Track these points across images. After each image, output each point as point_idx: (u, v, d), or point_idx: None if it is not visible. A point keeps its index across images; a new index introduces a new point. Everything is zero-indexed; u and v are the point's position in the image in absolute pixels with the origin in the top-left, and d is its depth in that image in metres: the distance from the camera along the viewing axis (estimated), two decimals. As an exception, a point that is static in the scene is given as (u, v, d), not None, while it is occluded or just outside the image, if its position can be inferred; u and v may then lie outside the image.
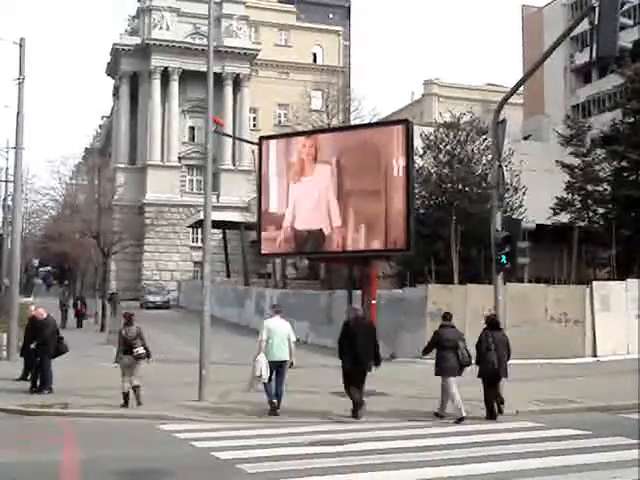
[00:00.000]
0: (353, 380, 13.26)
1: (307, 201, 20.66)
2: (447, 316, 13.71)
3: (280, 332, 13.67)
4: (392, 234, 19.38)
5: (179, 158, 64.57)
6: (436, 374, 13.26)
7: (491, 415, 13.05)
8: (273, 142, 22.38)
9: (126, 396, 14.01)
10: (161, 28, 64.29)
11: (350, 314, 14.16)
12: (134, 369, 14.16)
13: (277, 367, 13.57)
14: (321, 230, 20.59)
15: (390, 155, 19.34)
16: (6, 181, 38.66)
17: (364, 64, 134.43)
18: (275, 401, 13.53)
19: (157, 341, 21.52)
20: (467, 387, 13.27)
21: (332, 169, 19.99)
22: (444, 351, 13.10)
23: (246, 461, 9.59)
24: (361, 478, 8.84)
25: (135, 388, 14.12)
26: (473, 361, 13.19)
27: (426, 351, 13.90)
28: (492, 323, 13.47)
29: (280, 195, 21.47)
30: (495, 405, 13.20)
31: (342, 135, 21.34)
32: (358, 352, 13.18)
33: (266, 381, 13.40)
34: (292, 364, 13.78)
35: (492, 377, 13.08)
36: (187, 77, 63.22)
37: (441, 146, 29.19)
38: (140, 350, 14.10)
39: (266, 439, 11.32)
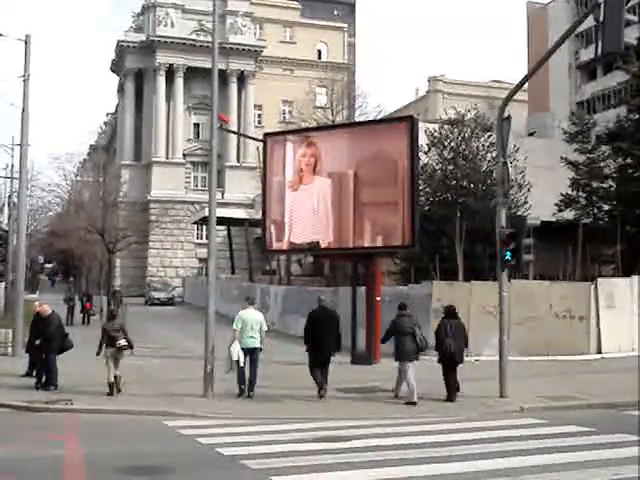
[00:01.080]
0: (317, 363, 14.64)
1: (304, 212, 20.78)
2: (403, 306, 15.03)
3: (252, 322, 14.95)
4: (404, 237, 19.46)
5: (184, 155, 64.67)
6: (395, 359, 14.52)
7: (450, 397, 14.20)
8: (278, 141, 22.48)
9: (111, 385, 15.02)
10: (166, 25, 64.37)
11: (317, 303, 15.55)
12: (118, 360, 15.22)
13: (250, 354, 14.80)
14: (318, 243, 20.74)
15: (404, 166, 19.41)
16: (11, 178, 38.73)
17: (369, 61, 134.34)
18: (244, 387, 14.83)
19: (162, 337, 21.61)
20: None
21: (346, 180, 20.08)
22: (403, 337, 14.33)
23: (250, 457, 9.64)
24: (364, 474, 8.87)
25: (116, 377, 15.12)
26: (432, 344, 14.71)
27: (385, 339, 15.11)
28: (450, 312, 14.78)
29: (282, 197, 21.56)
30: (454, 388, 14.36)
31: (350, 139, 21.15)
32: (322, 338, 14.57)
33: (242, 365, 14.72)
34: (260, 349, 15.08)
35: (450, 361, 14.28)
36: (192, 74, 63.26)
37: (446, 143, 29.15)
38: (122, 342, 15.15)
39: (271, 435, 11.36)
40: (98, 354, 15.26)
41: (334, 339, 14.75)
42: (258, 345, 14.92)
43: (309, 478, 8.73)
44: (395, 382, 14.75)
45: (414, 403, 13.92)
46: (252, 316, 15.07)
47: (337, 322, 15.08)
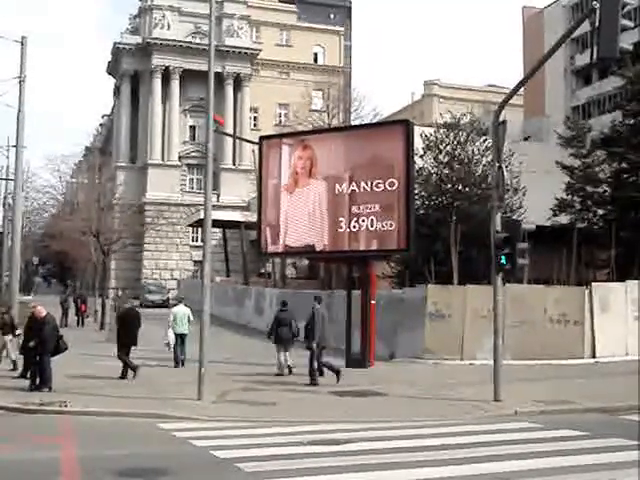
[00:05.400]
0: (127, 349, 18.26)
1: (299, 215, 20.80)
2: (284, 303, 19.67)
3: (181, 315, 20.92)
4: (400, 240, 19.46)
5: (179, 157, 64.57)
6: (274, 343, 19.17)
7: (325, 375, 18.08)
8: (274, 144, 22.48)
9: (15, 363, 18.52)
10: (162, 27, 64.31)
11: (125, 305, 21.73)
12: (15, 344, 18.92)
13: (180, 338, 20.69)
14: (314, 246, 20.75)
15: (399, 169, 19.44)
16: (7, 179, 38.65)
17: (365, 64, 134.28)
18: (180, 362, 20.52)
19: (156, 340, 21.59)
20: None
21: (342, 183, 20.07)
22: (281, 328, 18.97)
23: (245, 460, 9.62)
24: (359, 477, 8.87)
25: (14, 362, 18.58)
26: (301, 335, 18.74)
27: (271, 332, 19.41)
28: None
29: (277, 200, 21.56)
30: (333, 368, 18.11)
31: (346, 143, 21.06)
32: (132, 333, 18.31)
33: (172, 345, 20.46)
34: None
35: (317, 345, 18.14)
36: (188, 76, 63.22)
37: (441, 146, 29.15)
38: (18, 331, 18.82)
39: (265, 438, 11.35)
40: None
41: (136, 332, 18.61)
42: (186, 331, 20.79)
43: (303, 481, 8.73)
44: (277, 364, 19.02)
45: (281, 375, 18.67)
46: (182, 310, 21.07)
47: (139, 320, 18.98)
